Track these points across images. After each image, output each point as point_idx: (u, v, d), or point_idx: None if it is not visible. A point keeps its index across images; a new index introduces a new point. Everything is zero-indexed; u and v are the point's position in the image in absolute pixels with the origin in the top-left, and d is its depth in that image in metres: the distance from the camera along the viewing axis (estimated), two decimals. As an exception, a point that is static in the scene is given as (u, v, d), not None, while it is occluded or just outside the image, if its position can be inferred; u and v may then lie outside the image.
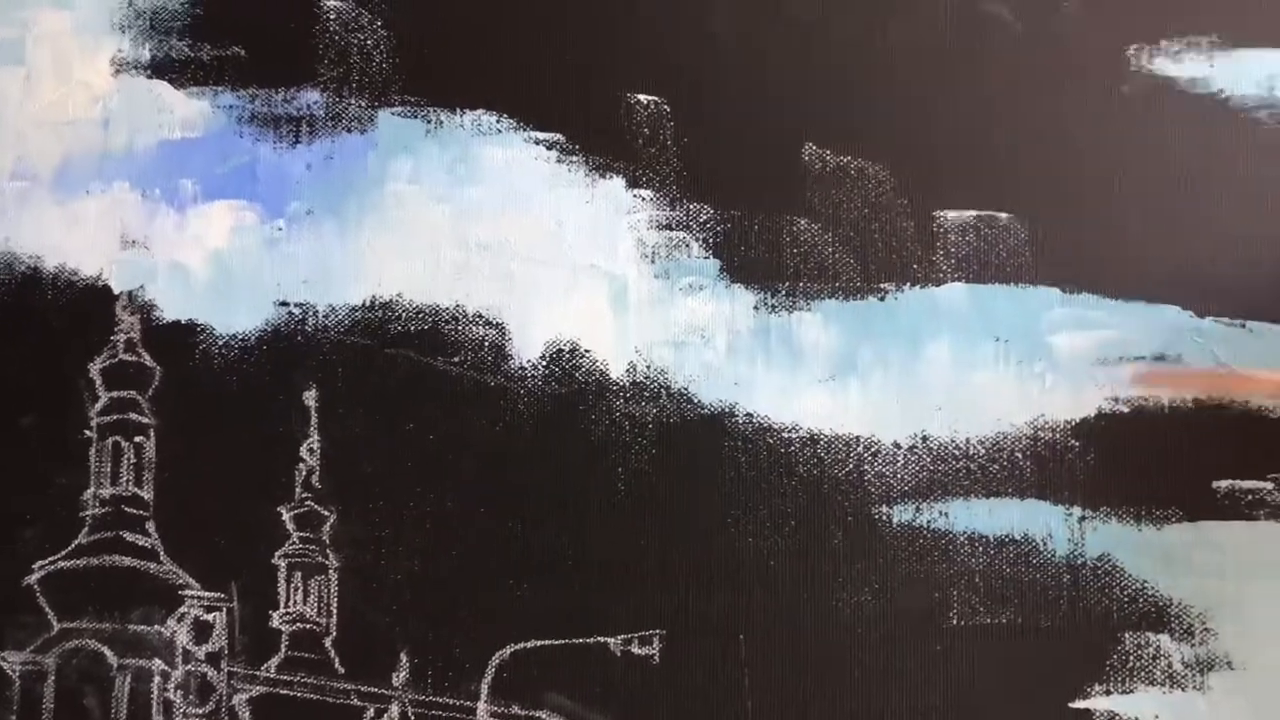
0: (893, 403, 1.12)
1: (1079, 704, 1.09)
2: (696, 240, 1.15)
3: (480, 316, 1.14)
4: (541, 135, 1.15)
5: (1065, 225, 1.12)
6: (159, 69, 1.18)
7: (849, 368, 1.13)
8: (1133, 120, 1.12)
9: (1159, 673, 1.10)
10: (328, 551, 1.13)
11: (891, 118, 1.14)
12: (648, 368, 1.14)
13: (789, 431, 1.13)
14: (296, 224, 1.16)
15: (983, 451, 1.12)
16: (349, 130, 1.17)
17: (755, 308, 1.14)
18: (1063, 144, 1.12)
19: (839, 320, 1.13)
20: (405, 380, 1.14)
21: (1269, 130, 1.11)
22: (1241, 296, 1.11)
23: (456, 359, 1.14)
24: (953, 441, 1.12)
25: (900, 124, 1.14)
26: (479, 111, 1.16)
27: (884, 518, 1.12)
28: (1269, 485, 1.10)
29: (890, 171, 1.14)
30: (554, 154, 1.15)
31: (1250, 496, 1.10)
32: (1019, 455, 1.11)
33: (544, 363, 1.14)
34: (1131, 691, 1.10)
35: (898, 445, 1.12)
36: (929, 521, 1.11)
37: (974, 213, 1.13)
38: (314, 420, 1.14)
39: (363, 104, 1.17)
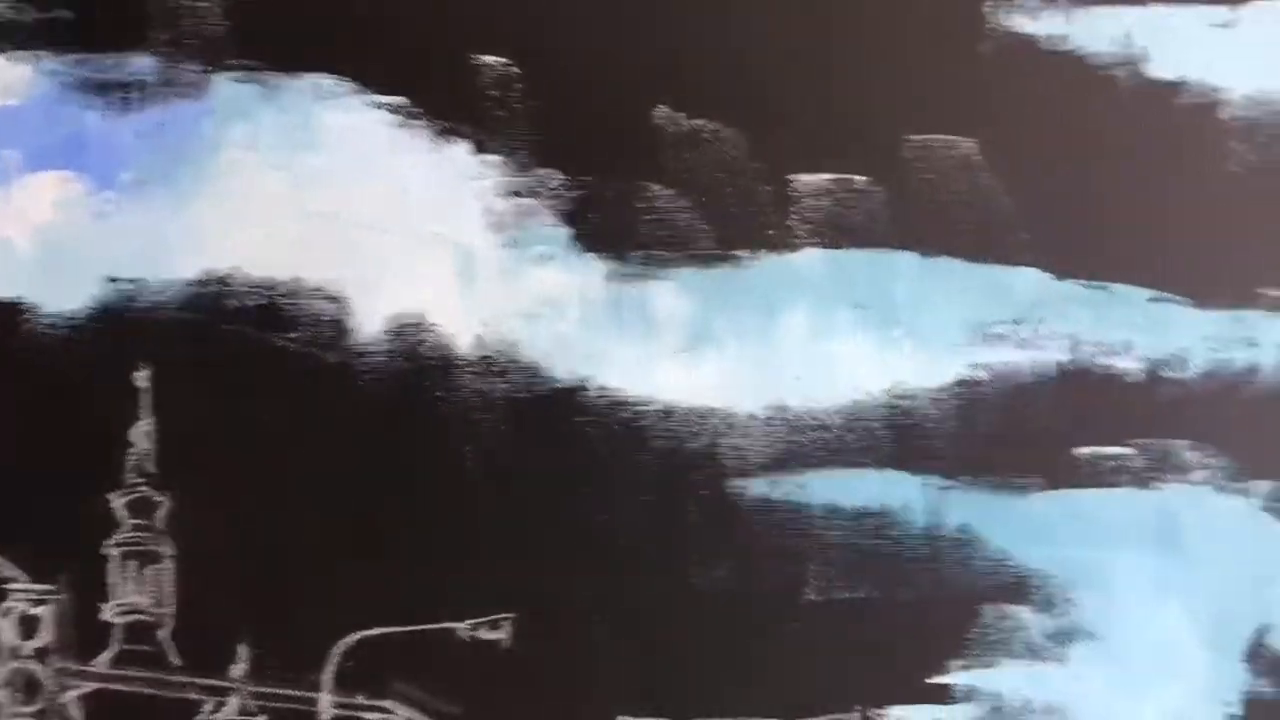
0: (749, 373, 1.10)
1: (938, 679, 1.08)
2: (547, 208, 1.11)
3: (320, 290, 1.10)
4: (384, 99, 1.11)
5: (923, 188, 1.10)
6: (-22, 32, 1.13)
7: (705, 338, 1.10)
8: (990, 79, 1.10)
9: (1019, 645, 1.09)
10: (162, 539, 1.09)
11: (745, 80, 1.11)
12: (496, 341, 1.10)
13: (643, 405, 1.10)
14: (127, 195, 1.11)
15: (840, 422, 1.10)
16: (182, 96, 1.12)
17: (608, 277, 1.11)
18: (920, 105, 1.10)
19: (694, 289, 1.10)
20: (242, 358, 1.09)
21: (1126, 88, 1.10)
22: (1102, 259, 1.09)
23: (295, 335, 1.10)
24: (810, 412, 1.10)
25: (753, 86, 1.11)
26: (319, 75, 1.11)
27: (740, 491, 1.09)
28: (1131, 451, 1.09)
29: (745, 135, 1.11)
30: (397, 119, 1.11)
31: (1112, 464, 1.09)
32: (877, 425, 1.09)
33: (387, 338, 1.10)
34: (992, 665, 1.09)
35: (754, 417, 1.10)
36: (786, 494, 1.09)
37: (830, 177, 1.10)
38: (146, 401, 1.09)
39: (196, 69, 1.12)
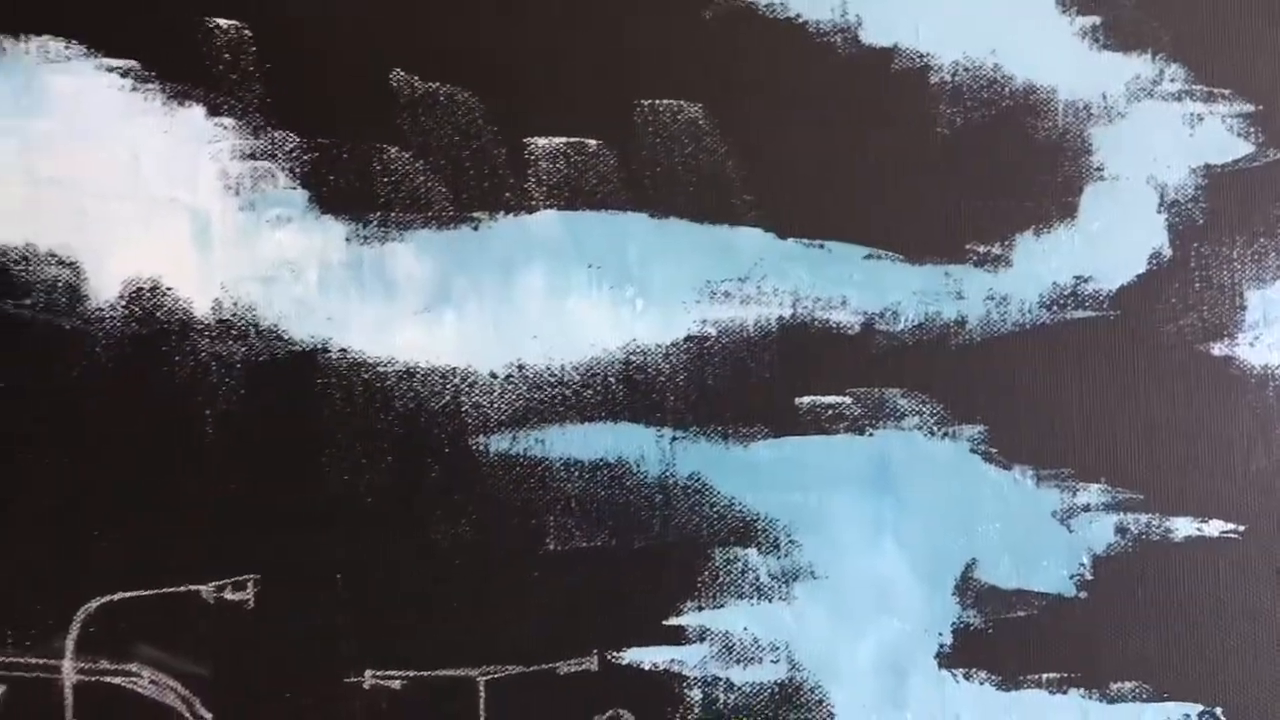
0: (489, 333, 1.12)
1: (673, 620, 1.13)
2: (283, 170, 1.11)
3: (53, 256, 1.09)
4: (114, 62, 1.10)
5: (653, 151, 1.13)
6: None
7: (444, 299, 1.12)
8: (714, 44, 1.13)
9: (747, 586, 1.14)
10: (-107, 511, 1.07)
11: (479, 45, 1.12)
12: (234, 304, 1.10)
13: (385, 365, 1.11)
14: None
15: (577, 378, 1.13)
16: (-99, 58, 1.09)
17: (347, 239, 1.12)
18: (648, 70, 1.13)
19: (432, 250, 1.12)
20: (-28, 326, 1.08)
21: (842, 54, 1.14)
22: (820, 219, 1.14)
23: (28, 301, 1.08)
24: (548, 369, 1.12)
25: (488, 51, 1.12)
26: (45, 38, 1.09)
27: (481, 448, 1.12)
28: (847, 400, 1.14)
29: (480, 99, 1.12)
30: (128, 82, 1.10)
31: (830, 412, 1.14)
32: (612, 380, 1.13)
33: (123, 303, 1.09)
34: (723, 606, 1.13)
35: (494, 375, 1.12)
36: (525, 449, 1.12)
37: (563, 139, 1.13)
38: (-128, 372, 1.07)
39: (-83, 29, 1.09)
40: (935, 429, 1.14)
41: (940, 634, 1.15)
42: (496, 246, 1.13)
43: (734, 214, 1.14)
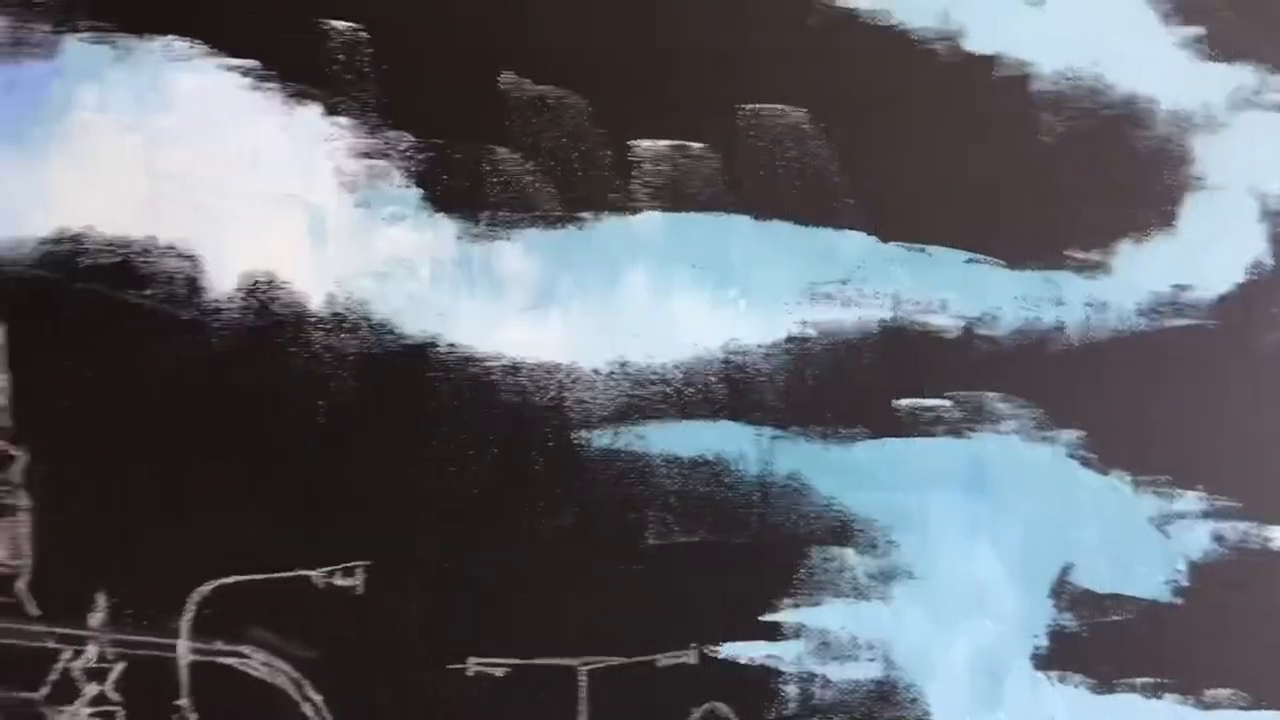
0: (592, 330, 1.14)
1: (770, 617, 1.14)
2: (397, 169, 1.14)
3: (173, 248, 1.12)
4: (235, 61, 1.12)
5: (756, 154, 1.15)
6: None
7: (550, 296, 1.14)
8: (818, 52, 1.15)
9: (845, 585, 1.15)
10: (19, 492, 1.10)
11: (588, 48, 1.14)
12: (348, 299, 1.13)
13: (491, 361, 1.14)
14: (-23, 155, 1.12)
15: (679, 376, 1.15)
16: (32, 57, 1.12)
17: (458, 237, 1.14)
18: (752, 75, 1.15)
19: (539, 249, 1.14)
20: (96, 315, 1.10)
21: (945, 61, 1.16)
22: (922, 223, 1.15)
23: (149, 293, 1.11)
24: (649, 367, 1.14)
25: (596, 55, 1.14)
26: (169, 37, 1.12)
27: (584, 442, 1.14)
28: (947, 403, 1.15)
29: (588, 101, 1.15)
30: (248, 81, 1.13)
31: (929, 414, 1.15)
32: (713, 379, 1.15)
33: (240, 295, 1.12)
34: (819, 604, 1.15)
35: (597, 372, 1.14)
36: (627, 445, 1.14)
37: (668, 143, 1.15)
38: (1, 358, 1.10)
39: (47, 29, 1.12)
40: (1033, 433, 1.15)
41: (1035, 636, 1.15)
42: (601, 246, 1.15)
43: (836, 217, 1.15)
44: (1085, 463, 1.16)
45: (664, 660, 1.13)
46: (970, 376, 1.15)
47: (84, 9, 1.12)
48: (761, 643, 1.14)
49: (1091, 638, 1.15)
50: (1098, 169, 1.16)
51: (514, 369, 1.14)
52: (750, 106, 1.15)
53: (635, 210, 1.15)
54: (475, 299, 1.14)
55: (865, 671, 1.15)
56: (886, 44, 1.15)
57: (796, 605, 1.14)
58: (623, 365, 1.14)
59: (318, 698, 1.11)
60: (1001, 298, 1.15)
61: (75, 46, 1.12)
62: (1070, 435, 1.16)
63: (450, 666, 1.12)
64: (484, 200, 1.14)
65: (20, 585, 1.10)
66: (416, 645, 1.12)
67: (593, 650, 1.13)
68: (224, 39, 1.13)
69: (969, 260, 1.15)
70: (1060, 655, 1.16)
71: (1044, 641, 1.15)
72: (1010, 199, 1.15)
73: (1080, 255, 1.16)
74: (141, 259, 1.12)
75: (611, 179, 1.15)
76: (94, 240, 1.11)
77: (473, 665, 1.12)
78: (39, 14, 1.12)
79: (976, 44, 1.16)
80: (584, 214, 1.15)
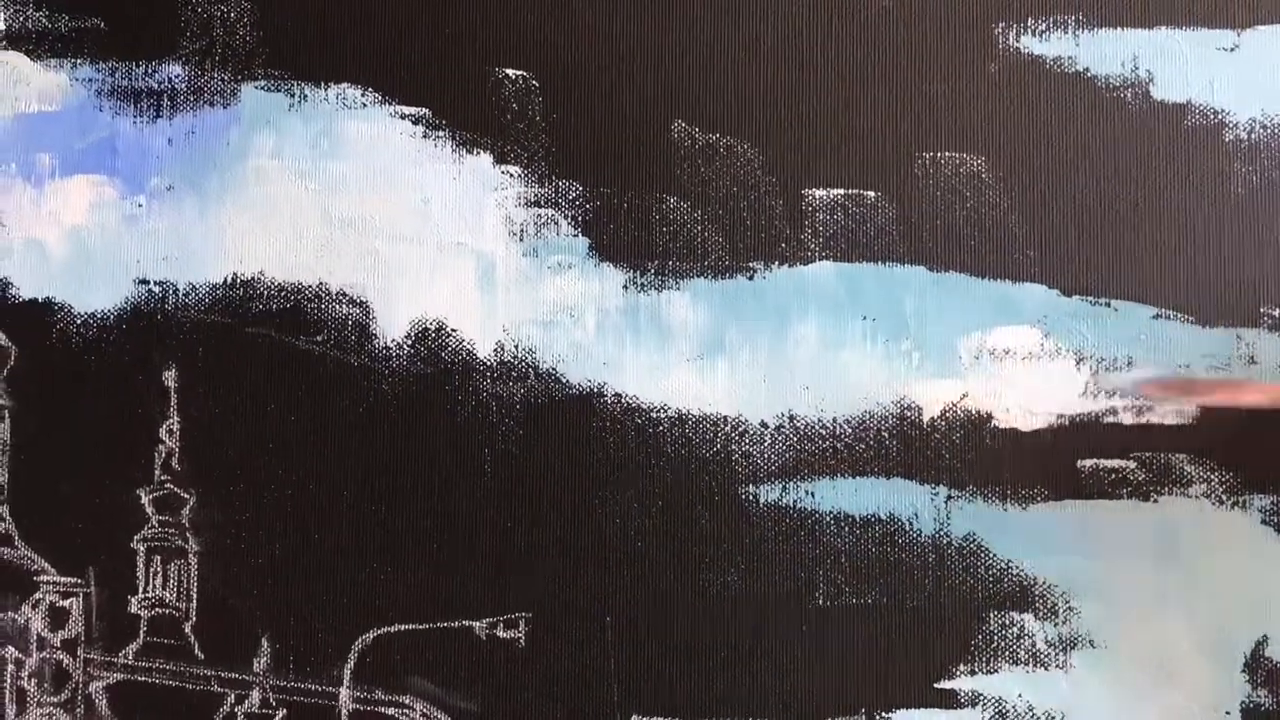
0: (760, 382, 1.12)
1: (944, 684, 1.10)
2: (565, 218, 1.13)
3: (344, 295, 1.12)
4: (407, 110, 1.13)
5: (932, 204, 1.12)
6: (14, 40, 1.15)
7: (717, 347, 1.12)
8: (999, 99, 1.12)
9: (1023, 652, 1.10)
10: (187, 535, 1.11)
11: (760, 95, 1.13)
12: (515, 347, 1.12)
13: (657, 411, 1.12)
14: (157, 200, 1.13)
15: (849, 431, 1.12)
16: (211, 104, 1.14)
17: (625, 286, 1.13)
18: (931, 123, 1.12)
19: (707, 299, 1.13)
20: (267, 360, 1.12)
21: (1133, 110, 1.12)
22: (1106, 276, 1.11)
23: (319, 338, 1.12)
24: (819, 421, 1.12)
25: (768, 102, 1.13)
26: (344, 85, 1.14)
27: (751, 498, 1.11)
28: (1131, 464, 1.11)
29: (759, 149, 1.13)
30: (420, 129, 1.13)
31: (1114, 476, 1.11)
32: (885, 434, 1.11)
33: (409, 342, 1.12)
34: (996, 671, 1.10)
35: (765, 425, 1.12)
36: (795, 501, 1.11)
37: (842, 191, 1.12)
38: (174, 401, 1.12)
39: (225, 78, 1.14)
40: (1224, 497, 1.10)
41: (1228, 713, 1.09)
42: (771, 296, 1.12)
43: (1016, 269, 1.11)
44: (1281, 530, 1.10)
45: (832, 725, 1.10)
46: (1157, 437, 1.10)
47: (261, 58, 1.14)
48: (936, 710, 1.10)
49: (1287, 716, 1.09)
50: (1294, 221, 1.11)
51: (680, 420, 1.12)
52: (927, 154, 1.12)
53: (806, 260, 1.12)
54: (641, 348, 1.12)
55: (1044, 743, 1.11)
56: (1071, 91, 1.12)
57: (972, 672, 1.10)
58: (791, 418, 1.12)
59: (477, 751, 1.10)
60: (1190, 355, 1.10)
61: (252, 95, 1.14)
62: (1264, 501, 1.10)
63: (611, 724, 1.10)
64: (652, 249, 1.13)
65: (187, 628, 1.11)
66: (577, 700, 1.10)
67: (758, 711, 1.10)
68: (396, 87, 1.14)
69: (1156, 316, 1.11)
70: (1254, 733, 1.10)
71: (1237, 718, 1.09)
72: (1201, 252, 1.11)
73: (1276, 312, 1.10)
74: (313, 304, 1.12)
75: (782, 228, 1.13)
76: (266, 285, 1.12)
77: (634, 723, 1.10)
78: (218, 63, 1.14)
79: (1166, 92, 1.12)
80: (754, 264, 1.13)
